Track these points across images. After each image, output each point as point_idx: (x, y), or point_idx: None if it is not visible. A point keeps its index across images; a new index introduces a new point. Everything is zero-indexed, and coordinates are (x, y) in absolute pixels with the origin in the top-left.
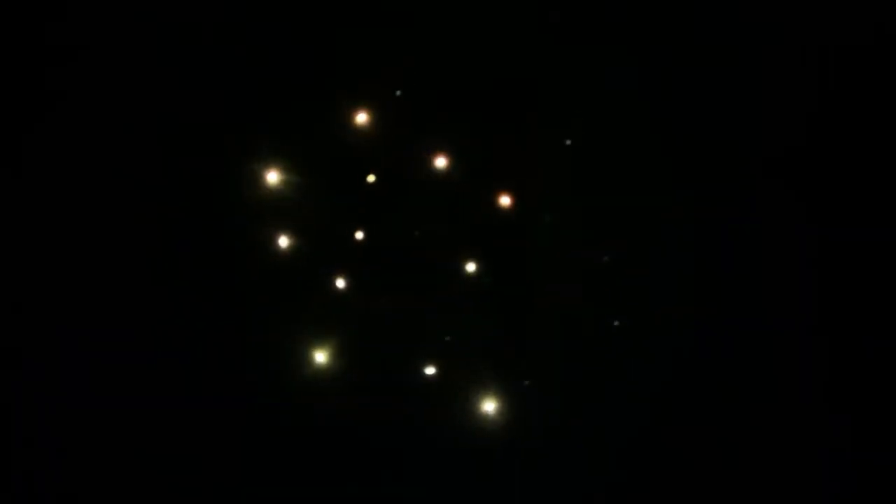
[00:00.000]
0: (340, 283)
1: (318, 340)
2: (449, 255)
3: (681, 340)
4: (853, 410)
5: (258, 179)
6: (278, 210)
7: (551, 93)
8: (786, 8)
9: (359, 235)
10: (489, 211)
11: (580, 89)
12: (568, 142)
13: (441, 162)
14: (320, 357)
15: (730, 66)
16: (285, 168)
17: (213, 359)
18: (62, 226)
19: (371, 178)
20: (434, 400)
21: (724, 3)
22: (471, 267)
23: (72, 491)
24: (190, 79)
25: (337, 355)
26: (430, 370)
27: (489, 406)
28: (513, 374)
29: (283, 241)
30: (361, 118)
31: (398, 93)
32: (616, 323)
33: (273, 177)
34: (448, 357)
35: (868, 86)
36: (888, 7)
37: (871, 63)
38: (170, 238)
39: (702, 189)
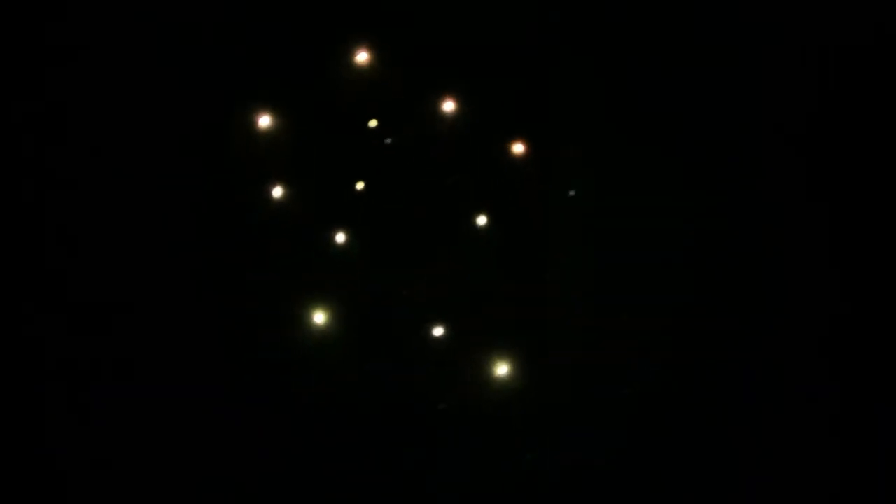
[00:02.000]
0: (340, 237)
1: (318, 299)
2: (458, 206)
3: (685, 335)
4: (856, 410)
5: (251, 130)
6: (274, 160)
7: (551, 93)
8: (786, 8)
9: (359, 186)
10: (500, 161)
11: (580, 89)
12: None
13: (448, 106)
14: (319, 317)
15: (730, 66)
16: (279, 114)
17: (211, 319)
18: (62, 222)
19: (373, 123)
20: (441, 362)
21: (724, 3)
22: (481, 220)
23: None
24: (190, 79)
25: (337, 314)
26: (437, 331)
27: (501, 369)
28: (522, 335)
29: (278, 192)
30: (361, 57)
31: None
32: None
33: (265, 121)
34: (456, 317)
35: (868, 86)
36: (888, 7)
37: (871, 63)
38: (175, 235)
39: (701, 189)
